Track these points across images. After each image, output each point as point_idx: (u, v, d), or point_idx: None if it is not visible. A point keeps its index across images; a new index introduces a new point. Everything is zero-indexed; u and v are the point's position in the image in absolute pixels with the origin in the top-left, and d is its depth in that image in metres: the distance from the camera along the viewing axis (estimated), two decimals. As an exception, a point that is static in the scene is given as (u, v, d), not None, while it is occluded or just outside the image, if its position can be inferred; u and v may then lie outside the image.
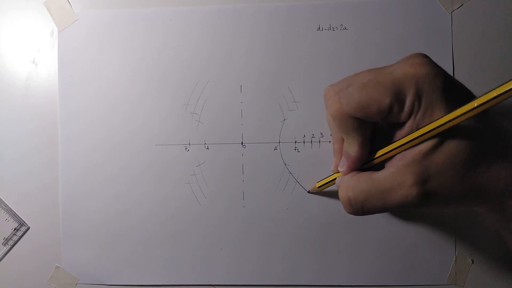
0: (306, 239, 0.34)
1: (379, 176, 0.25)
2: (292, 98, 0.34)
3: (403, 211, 0.33)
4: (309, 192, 0.34)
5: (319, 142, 0.34)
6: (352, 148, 0.26)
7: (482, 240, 0.33)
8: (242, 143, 0.34)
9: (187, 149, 0.34)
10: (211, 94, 0.34)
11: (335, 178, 0.29)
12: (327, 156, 0.33)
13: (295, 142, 0.34)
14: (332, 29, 0.34)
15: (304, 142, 0.34)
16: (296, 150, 0.34)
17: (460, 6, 0.33)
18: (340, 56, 0.34)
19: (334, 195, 0.33)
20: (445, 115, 0.22)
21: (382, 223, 0.33)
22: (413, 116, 0.24)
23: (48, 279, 0.35)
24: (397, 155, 0.25)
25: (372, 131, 0.26)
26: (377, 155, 0.26)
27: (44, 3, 0.35)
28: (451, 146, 0.23)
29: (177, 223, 0.34)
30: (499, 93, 0.21)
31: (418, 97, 0.23)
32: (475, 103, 0.21)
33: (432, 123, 0.23)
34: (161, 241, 0.35)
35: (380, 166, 0.26)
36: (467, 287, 0.33)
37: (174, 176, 0.34)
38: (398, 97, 0.23)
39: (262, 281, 0.34)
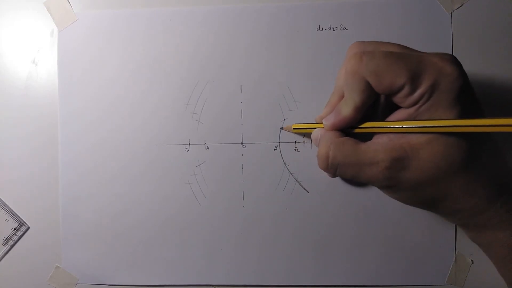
0: (306, 239, 0.34)
1: (362, 147, 0.25)
2: (292, 98, 0.34)
3: (404, 209, 0.33)
4: (282, 128, 0.34)
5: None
6: (346, 108, 0.26)
7: (482, 240, 0.33)
8: (242, 143, 0.34)
9: (187, 149, 0.34)
10: (211, 94, 0.34)
11: (315, 129, 0.29)
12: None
13: (295, 142, 0.34)
14: (332, 29, 0.34)
15: (304, 142, 0.34)
16: (296, 150, 0.34)
17: (460, 6, 0.33)
18: (340, 56, 0.33)
19: (333, 194, 0.33)
20: (448, 118, 0.22)
21: (382, 223, 0.33)
22: (417, 106, 0.23)
23: (48, 279, 0.35)
24: (387, 135, 0.25)
25: (373, 102, 0.26)
26: (363, 125, 0.26)
27: (44, 3, 0.35)
28: (441, 148, 0.23)
29: (177, 223, 0.34)
30: (510, 123, 0.20)
31: (431, 89, 0.23)
32: (480, 122, 0.21)
33: (432, 121, 0.23)
34: (161, 241, 0.35)
35: (368, 138, 0.26)
36: (467, 287, 0.33)
37: (174, 176, 0.34)
38: (414, 81, 0.23)
39: (262, 281, 0.34)
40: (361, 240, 0.33)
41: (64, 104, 0.35)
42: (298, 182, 0.34)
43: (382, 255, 0.33)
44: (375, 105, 0.27)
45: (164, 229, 0.35)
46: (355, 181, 0.33)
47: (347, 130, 0.27)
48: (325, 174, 0.33)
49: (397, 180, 0.24)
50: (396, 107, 0.25)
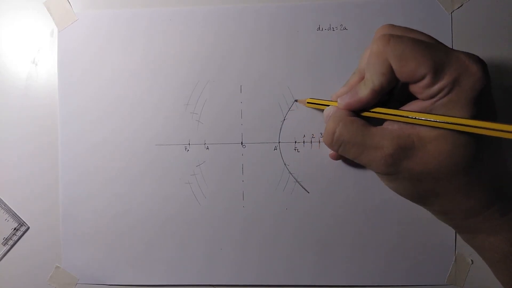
0: (306, 239, 0.34)
1: (371, 130, 0.25)
2: (292, 98, 0.34)
3: (404, 209, 0.33)
4: (296, 101, 0.33)
5: (319, 142, 0.34)
6: (363, 90, 0.26)
7: (482, 240, 0.33)
8: (242, 143, 0.34)
9: (187, 149, 0.34)
10: (211, 94, 0.34)
11: (328, 106, 0.29)
12: (327, 156, 0.33)
13: (295, 142, 0.34)
14: (332, 29, 0.34)
15: (304, 142, 0.34)
16: (296, 150, 0.34)
17: (460, 6, 0.33)
18: (340, 56, 0.34)
19: (333, 194, 0.33)
20: (463, 117, 0.22)
21: (382, 224, 0.33)
22: (434, 99, 0.23)
23: (48, 279, 0.35)
24: (399, 123, 0.25)
25: (391, 88, 0.25)
26: (374, 110, 0.26)
27: (44, 3, 0.35)
28: (449, 146, 0.23)
29: (177, 223, 0.34)
30: None
31: (452, 84, 0.22)
32: (497, 126, 0.21)
33: (448, 117, 0.22)
34: (161, 241, 0.35)
35: (379, 124, 0.26)
36: (467, 287, 0.33)
37: (174, 176, 0.34)
38: (436, 73, 0.22)
39: (262, 281, 0.34)
40: (361, 240, 0.33)
41: (64, 104, 0.35)
42: (298, 182, 0.34)
43: (382, 255, 0.33)
44: (391, 94, 0.27)
45: (164, 229, 0.35)
46: (356, 178, 0.33)
47: (359, 112, 0.27)
48: (325, 173, 0.33)
49: (397, 169, 0.24)
50: (411, 99, 0.25)
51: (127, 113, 0.35)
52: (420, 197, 0.26)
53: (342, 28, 0.34)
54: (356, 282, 0.34)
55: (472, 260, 0.33)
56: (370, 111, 0.26)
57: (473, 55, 0.23)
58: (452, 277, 0.33)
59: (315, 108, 0.33)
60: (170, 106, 0.34)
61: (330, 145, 0.27)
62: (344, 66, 0.33)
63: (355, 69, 0.29)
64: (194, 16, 0.34)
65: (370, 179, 0.33)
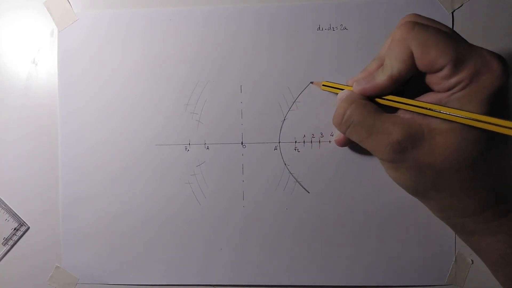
0: (306, 239, 0.34)
1: (383, 115, 0.25)
2: (292, 98, 0.34)
3: (404, 209, 0.33)
4: (311, 83, 0.33)
5: (319, 142, 0.34)
6: (381, 76, 0.25)
7: (482, 240, 0.33)
8: (242, 143, 0.34)
9: (187, 149, 0.34)
10: (211, 94, 0.34)
11: (343, 90, 0.29)
12: (327, 156, 0.33)
13: (295, 142, 0.34)
14: (332, 29, 0.34)
15: (304, 142, 0.34)
16: (296, 150, 0.34)
17: (461, 6, 0.33)
18: (340, 56, 0.33)
19: (333, 194, 0.33)
20: (477, 113, 0.22)
21: (382, 224, 0.33)
22: (450, 92, 0.23)
23: (48, 279, 0.35)
24: (411, 113, 0.25)
25: (409, 78, 0.25)
26: (387, 97, 0.26)
27: (44, 3, 0.35)
28: (458, 141, 0.23)
29: (177, 223, 0.34)
30: None
31: (470, 78, 0.22)
32: (507, 123, 0.21)
33: (463, 112, 0.22)
34: (161, 241, 0.35)
35: (391, 112, 0.26)
36: (467, 287, 0.33)
37: (174, 176, 0.34)
38: (456, 64, 0.22)
39: (262, 281, 0.34)
40: (361, 241, 0.33)
41: (64, 104, 0.35)
42: (298, 182, 0.34)
43: (381, 255, 0.33)
44: (406, 85, 0.27)
45: (164, 229, 0.35)
46: (356, 178, 0.33)
47: (373, 98, 0.27)
48: (325, 173, 0.33)
49: (403, 157, 0.24)
50: (426, 92, 0.25)
51: (127, 113, 0.35)
52: (420, 190, 0.26)
53: (342, 28, 0.34)
54: (356, 282, 0.34)
55: (472, 260, 0.33)
56: (384, 99, 0.26)
57: (495, 53, 0.23)
58: (452, 277, 0.33)
59: (329, 92, 0.33)
60: (170, 106, 0.34)
61: (339, 125, 0.27)
62: (344, 66, 0.33)
63: (375, 56, 0.29)
64: (194, 16, 0.34)
65: (370, 179, 0.33)
